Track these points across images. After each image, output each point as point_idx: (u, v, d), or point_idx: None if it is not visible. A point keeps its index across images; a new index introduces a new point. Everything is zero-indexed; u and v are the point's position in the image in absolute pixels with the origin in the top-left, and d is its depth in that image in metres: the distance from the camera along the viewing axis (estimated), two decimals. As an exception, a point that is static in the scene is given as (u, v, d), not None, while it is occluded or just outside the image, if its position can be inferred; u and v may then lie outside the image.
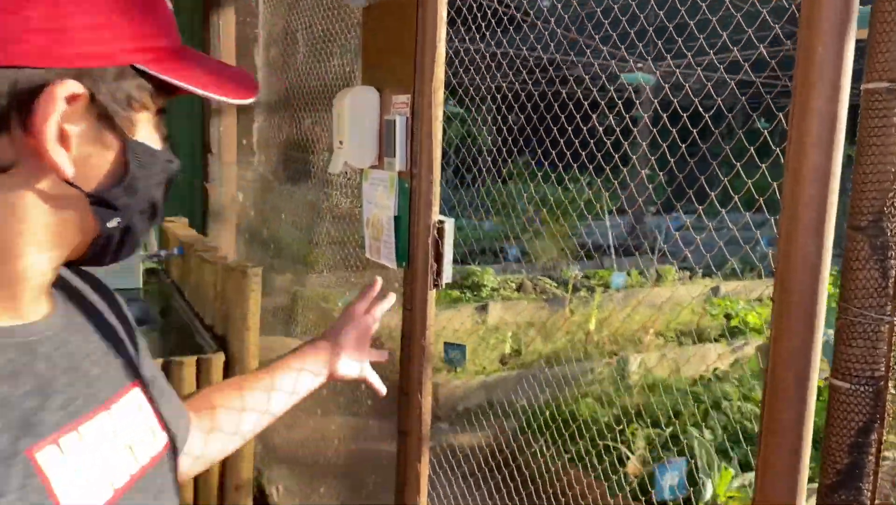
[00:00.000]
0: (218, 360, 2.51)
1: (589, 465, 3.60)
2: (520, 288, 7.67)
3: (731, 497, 3.29)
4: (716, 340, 6.19)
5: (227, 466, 2.58)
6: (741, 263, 9.54)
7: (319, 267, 2.59)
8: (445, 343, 5.02)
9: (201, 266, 2.90)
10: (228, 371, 2.53)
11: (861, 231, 0.80)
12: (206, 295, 2.88)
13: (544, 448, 3.93)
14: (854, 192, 0.81)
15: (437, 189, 1.83)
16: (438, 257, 1.83)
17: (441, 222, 1.84)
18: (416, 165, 1.83)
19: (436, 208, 1.84)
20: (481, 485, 4.14)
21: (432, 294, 1.85)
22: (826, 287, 0.88)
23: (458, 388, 4.89)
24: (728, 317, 6.86)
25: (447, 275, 1.88)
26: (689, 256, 10.99)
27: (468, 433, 4.55)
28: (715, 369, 4.64)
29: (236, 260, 2.82)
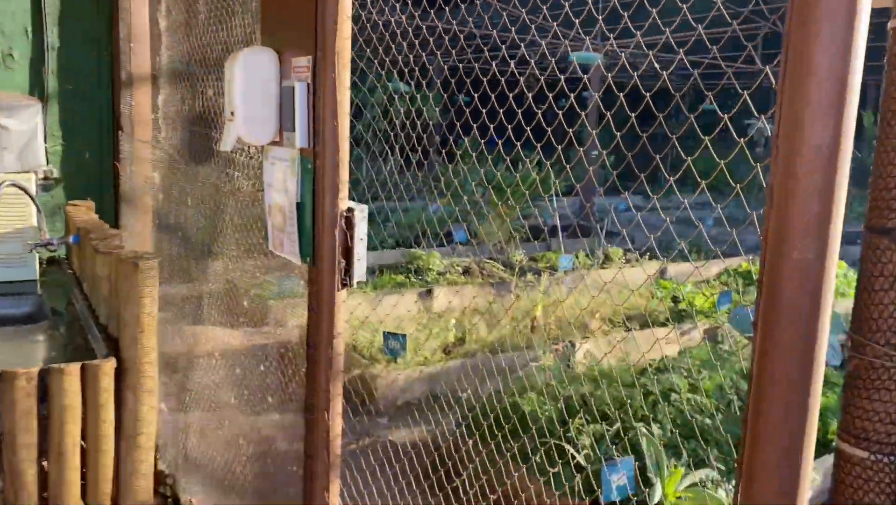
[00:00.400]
0: (107, 367, 2.19)
1: (533, 462, 3.39)
2: (466, 272, 7.44)
3: (680, 497, 3.12)
4: (663, 325, 6.06)
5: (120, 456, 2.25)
6: (688, 244, 9.49)
7: (225, 258, 2.28)
8: (385, 333, 4.75)
9: (94, 257, 2.56)
10: (121, 380, 2.21)
11: (887, 235, 0.55)
12: (100, 290, 2.54)
13: (486, 444, 3.70)
14: (875, 181, 0.56)
15: (344, 170, 1.54)
16: (347, 252, 1.54)
17: (350, 211, 1.55)
18: (319, 141, 1.54)
19: (343, 193, 1.56)
20: (421, 482, 3.91)
21: (341, 295, 1.57)
22: (829, 305, 0.63)
23: (398, 379, 4.63)
24: (675, 300, 6.75)
25: (359, 272, 1.59)
26: (635, 237, 10.92)
27: (409, 428, 4.31)
28: (662, 358, 4.48)
29: (134, 250, 2.48)
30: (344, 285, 1.58)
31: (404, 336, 4.73)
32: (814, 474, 3.50)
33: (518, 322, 5.63)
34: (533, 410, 3.59)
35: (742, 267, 8.04)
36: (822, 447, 3.89)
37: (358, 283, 1.59)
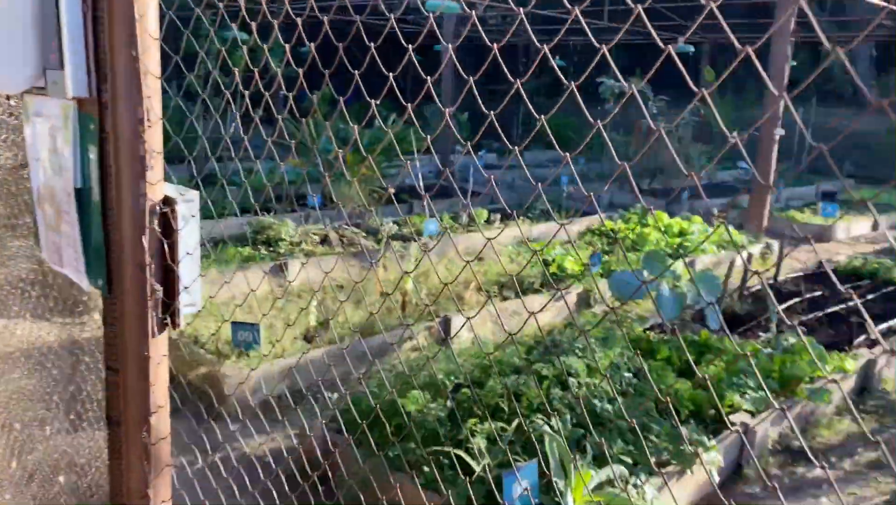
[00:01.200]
0: None
1: (424, 474, 2.90)
2: (324, 241, 6.78)
3: (590, 501, 2.76)
4: (538, 291, 5.77)
5: None
6: (547, 203, 9.34)
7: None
8: (233, 323, 4.05)
9: None
10: None
11: None
12: None
13: (364, 449, 3.17)
14: None
15: (155, 134, 0.91)
16: (166, 272, 0.92)
17: (169, 203, 0.92)
18: (108, 87, 0.89)
19: (156, 172, 0.92)
20: (288, 497, 3.33)
21: (159, 344, 0.95)
22: None
23: (252, 376, 3.96)
24: (546, 263, 6.49)
25: (192, 301, 0.97)
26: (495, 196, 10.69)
27: (265, 434, 3.69)
28: (550, 332, 4.13)
29: None
30: (163, 327, 0.95)
31: (257, 325, 4.06)
32: (715, 454, 3.28)
33: (388, 298, 5.09)
34: (419, 409, 3.09)
35: (605, 225, 7.96)
36: (717, 420, 3.71)
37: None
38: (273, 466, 3.49)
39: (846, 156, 14.68)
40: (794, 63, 10.15)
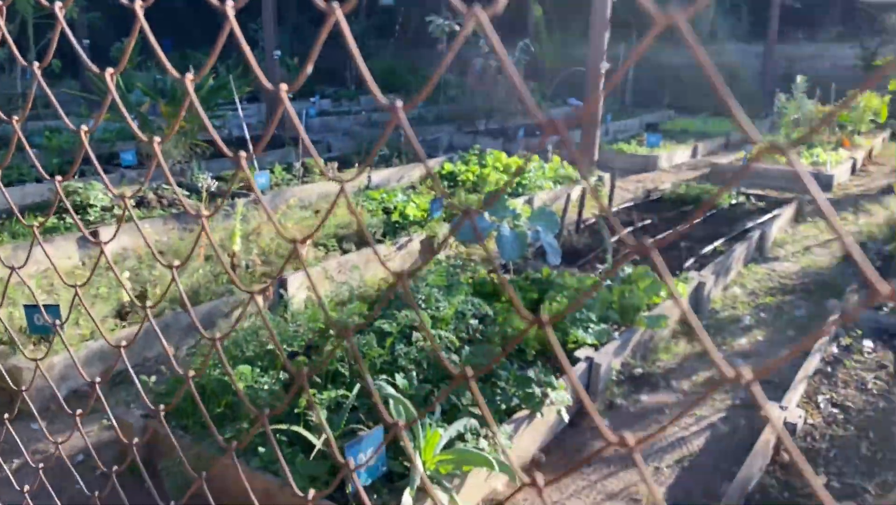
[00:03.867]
0: None
1: (256, 453, 2.61)
2: (141, 203, 6.11)
3: (441, 460, 2.60)
4: (379, 241, 5.53)
5: None
6: (386, 148, 9.06)
7: None
8: (26, 306, 3.48)
9: None
10: None
11: None
12: None
13: (192, 435, 2.83)
14: None
15: None
16: None
17: None
18: None
19: None
20: (112, 492, 2.93)
21: None
22: None
23: (55, 365, 3.44)
24: (387, 211, 6.25)
25: None
26: (332, 144, 10.23)
27: (76, 428, 3.22)
28: (393, 285, 3.92)
29: None
30: None
31: (56, 306, 3.53)
32: (563, 394, 3.24)
33: (214, 262, 4.65)
34: (248, 385, 2.77)
35: (445, 168, 7.82)
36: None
37: None
38: (84, 465, 3.06)
39: (664, 88, 15.51)
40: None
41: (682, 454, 3.17)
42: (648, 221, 6.30)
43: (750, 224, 6.31)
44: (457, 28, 10.65)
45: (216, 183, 6.63)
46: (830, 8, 17.11)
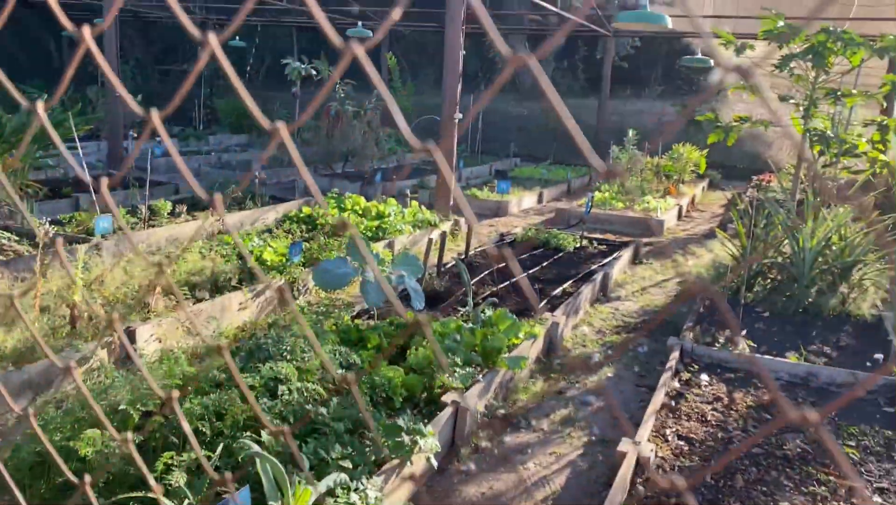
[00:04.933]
0: None
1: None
2: (-40, 249, 5.51)
3: (312, 519, 2.52)
4: (236, 287, 5.33)
5: None
6: (236, 188, 8.81)
7: None
8: None
9: None
10: None
11: None
12: None
13: (28, 509, 2.55)
14: None
15: None
16: None
17: None
18: None
19: None
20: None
21: None
22: None
23: None
24: (241, 257, 6.05)
25: None
26: (180, 185, 9.79)
27: None
28: (253, 335, 3.78)
29: None
30: None
31: None
32: (433, 440, 3.26)
33: (51, 313, 4.27)
34: (99, 449, 2.55)
35: (304, 212, 7.71)
36: (430, 403, 3.71)
37: None
38: None
39: (511, 138, 16.29)
40: (464, 52, 10.85)
41: (546, 493, 3.27)
42: (503, 264, 6.54)
43: (594, 266, 6.73)
44: (313, 72, 10.66)
45: (53, 228, 6.12)
46: (654, 68, 18.84)
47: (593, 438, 3.79)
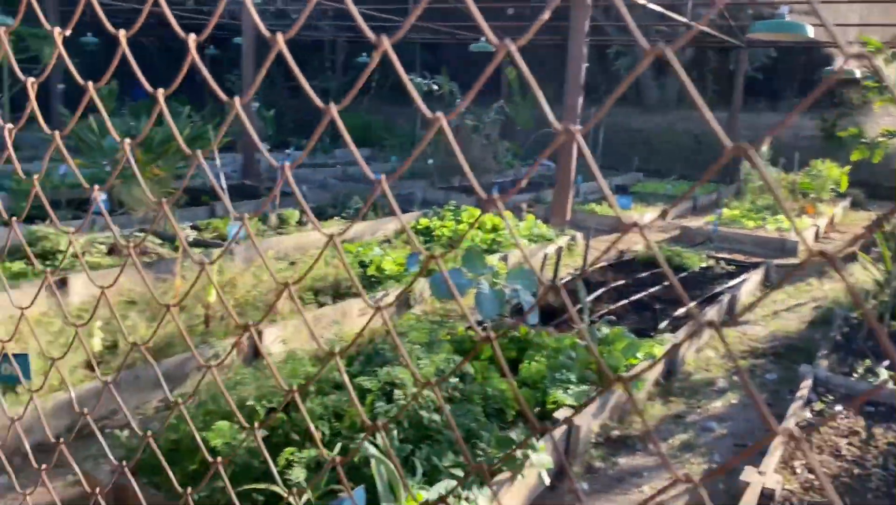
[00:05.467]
0: None
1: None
2: (113, 251, 6.02)
3: (423, 525, 2.55)
4: (356, 295, 5.50)
5: None
6: (361, 201, 9.11)
7: None
8: (-5, 355, 3.38)
9: None
10: None
11: None
12: None
13: (163, 493, 2.74)
14: None
15: None
16: None
17: None
18: None
19: None
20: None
21: None
22: None
23: (21, 417, 3.31)
24: (363, 265, 6.24)
25: None
26: (307, 195, 10.25)
27: (42, 485, 3.10)
28: (371, 340, 3.89)
29: None
30: None
31: (25, 355, 3.43)
32: (545, 456, 3.22)
33: (189, 312, 4.58)
34: (226, 442, 2.70)
35: (420, 223, 7.87)
36: (542, 418, 3.67)
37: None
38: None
39: (634, 152, 15.92)
40: (587, 65, 10.74)
41: (662, 519, 3.15)
42: (622, 282, 6.38)
43: (720, 288, 6.43)
44: (434, 87, 10.89)
45: (193, 233, 6.57)
46: (791, 80, 17.87)
47: (714, 465, 3.61)
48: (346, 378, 1.08)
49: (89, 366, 3.85)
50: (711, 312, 5.60)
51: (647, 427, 0.79)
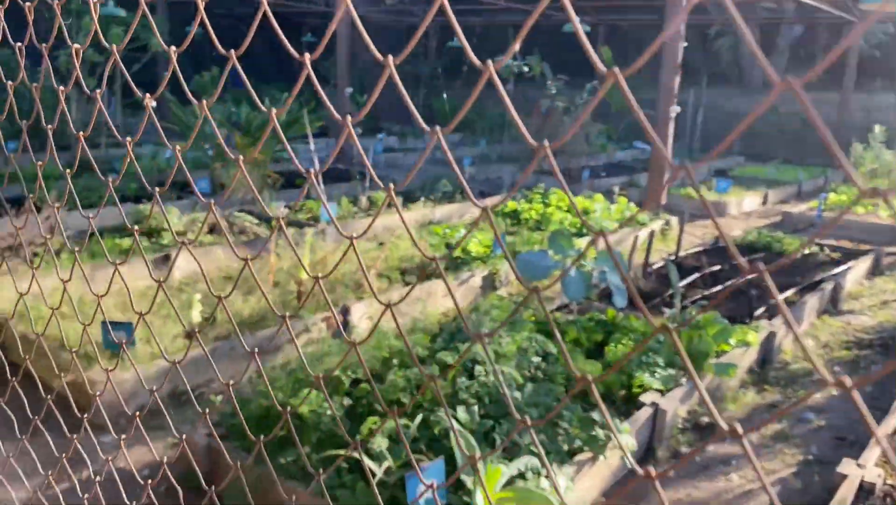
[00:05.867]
0: None
1: (320, 481, 2.62)
2: (213, 230, 6.31)
3: (502, 498, 2.56)
4: (440, 276, 5.54)
5: None
6: (450, 184, 9.15)
7: None
8: (103, 322, 3.62)
9: None
10: None
11: None
12: None
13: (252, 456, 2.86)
14: None
15: None
16: None
17: None
18: None
19: None
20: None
21: None
22: None
23: (126, 381, 3.55)
24: (449, 246, 6.28)
25: None
26: (396, 179, 10.40)
27: (145, 444, 3.31)
28: (455, 319, 3.92)
29: None
30: None
31: (129, 324, 3.65)
32: (629, 438, 3.16)
33: (282, 287, 4.74)
34: (312, 409, 2.80)
35: (508, 206, 7.84)
36: (628, 401, 3.61)
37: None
38: (150, 480, 3.12)
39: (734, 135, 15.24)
40: (686, 44, 10.35)
41: (751, 509, 3.04)
42: (718, 267, 6.15)
43: (823, 275, 6.10)
44: (525, 69, 10.77)
45: (286, 212, 6.79)
46: (911, 57, 16.63)
47: (810, 457, 3.44)
48: (415, 359, 1.09)
49: (188, 336, 4.06)
50: (813, 300, 5.32)
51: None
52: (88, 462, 2.54)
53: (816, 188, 11.73)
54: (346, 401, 2.90)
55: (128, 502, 2.26)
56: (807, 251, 6.91)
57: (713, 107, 15.76)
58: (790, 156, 14.25)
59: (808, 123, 15.47)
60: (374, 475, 2.55)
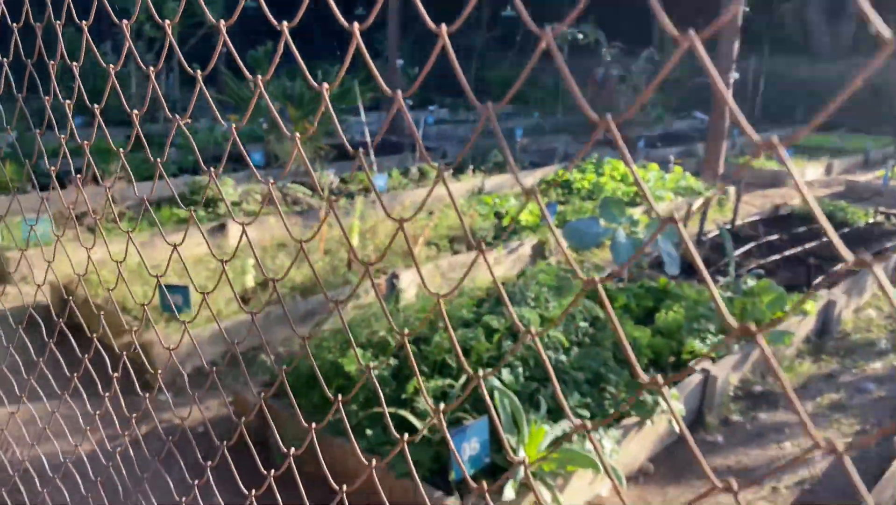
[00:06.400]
0: None
1: (364, 435, 2.68)
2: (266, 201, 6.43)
3: (545, 458, 2.57)
4: (490, 244, 5.54)
5: None
6: (501, 155, 9.09)
7: None
8: (162, 286, 3.74)
9: None
10: None
11: None
12: None
13: (302, 414, 2.93)
14: None
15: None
16: None
17: None
18: None
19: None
20: (220, 470, 3.08)
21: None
22: None
23: (183, 344, 3.66)
24: (499, 216, 6.26)
25: None
26: (448, 151, 10.38)
27: (200, 403, 3.42)
28: (503, 284, 3.91)
29: None
30: None
31: (186, 288, 3.76)
32: (677, 404, 3.12)
33: (333, 255, 4.82)
34: (359, 369, 2.85)
35: (559, 175, 7.75)
36: (677, 368, 3.56)
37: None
38: (205, 436, 3.24)
39: (797, 103, 14.71)
40: (747, 9, 9.99)
41: (802, 477, 2.97)
42: (776, 237, 5.98)
43: (889, 245, 5.86)
44: (579, 37, 10.57)
45: (339, 184, 6.88)
46: None
47: (867, 427, 3.34)
48: (449, 327, 1.10)
49: (243, 298, 4.17)
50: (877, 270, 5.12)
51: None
52: (155, 417, 2.65)
53: (884, 157, 11.24)
54: (393, 361, 2.94)
55: (185, 455, 2.35)
56: (871, 220, 6.65)
57: (775, 74, 15.19)
58: (858, 125, 13.66)
59: (879, 91, 14.79)
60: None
